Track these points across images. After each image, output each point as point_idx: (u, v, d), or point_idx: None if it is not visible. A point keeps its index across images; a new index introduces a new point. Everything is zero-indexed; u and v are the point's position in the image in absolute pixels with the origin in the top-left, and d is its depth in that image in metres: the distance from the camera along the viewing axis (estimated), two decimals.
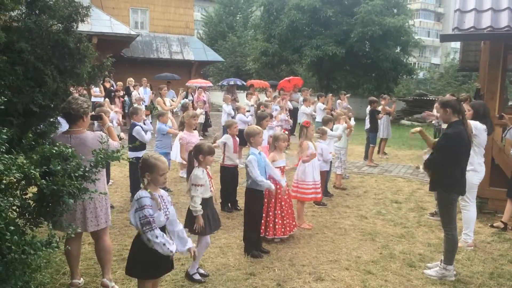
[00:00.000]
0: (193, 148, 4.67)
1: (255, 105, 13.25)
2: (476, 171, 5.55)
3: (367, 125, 11.66)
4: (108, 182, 6.99)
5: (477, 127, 5.56)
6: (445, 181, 4.64)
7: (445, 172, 4.64)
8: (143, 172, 3.41)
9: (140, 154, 7.05)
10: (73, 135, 3.96)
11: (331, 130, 8.01)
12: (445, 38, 7.45)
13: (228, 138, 7.08)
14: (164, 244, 3.26)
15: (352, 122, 9.28)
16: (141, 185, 3.49)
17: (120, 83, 15.65)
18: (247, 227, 5.32)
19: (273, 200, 5.63)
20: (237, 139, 7.15)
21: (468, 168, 5.28)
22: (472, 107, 5.77)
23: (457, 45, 25.41)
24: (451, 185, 4.64)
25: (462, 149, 4.59)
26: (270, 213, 5.63)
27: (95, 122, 6.34)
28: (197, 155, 4.52)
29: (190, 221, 4.49)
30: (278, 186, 5.63)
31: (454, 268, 4.76)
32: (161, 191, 3.54)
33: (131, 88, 16.02)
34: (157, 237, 3.23)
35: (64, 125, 4.35)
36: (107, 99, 12.60)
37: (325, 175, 7.55)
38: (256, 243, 5.30)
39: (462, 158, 4.66)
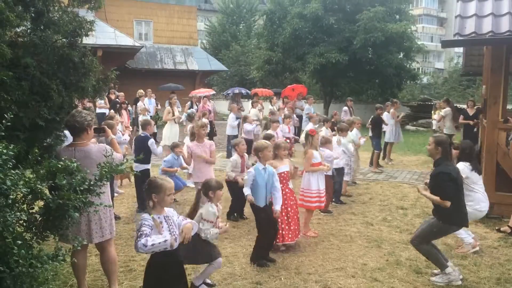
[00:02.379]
0: (201, 186, 4.62)
1: (261, 116, 13.32)
2: (480, 210, 5.65)
3: (370, 132, 11.64)
4: (113, 194, 7.03)
5: (463, 169, 5.56)
6: (444, 214, 4.67)
7: (452, 207, 4.64)
8: (149, 194, 3.39)
9: (147, 166, 7.14)
10: (77, 148, 4.00)
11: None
12: (446, 43, 7.47)
13: (237, 158, 7.02)
14: (158, 244, 3.15)
15: (362, 141, 9.42)
16: (147, 207, 3.47)
17: (122, 93, 15.70)
18: (257, 243, 5.33)
19: (282, 206, 5.65)
20: (246, 157, 7.11)
21: (473, 205, 5.46)
22: (459, 146, 6.11)
23: (460, 49, 25.37)
24: (450, 218, 4.71)
25: (453, 183, 4.63)
26: (286, 219, 5.65)
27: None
28: (206, 192, 4.46)
29: (202, 253, 4.44)
30: (284, 193, 5.67)
31: (459, 272, 4.74)
32: (167, 210, 3.49)
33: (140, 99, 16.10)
34: (145, 245, 3.11)
35: (70, 138, 4.40)
36: (111, 111, 12.65)
37: (329, 181, 7.55)
38: (263, 252, 5.31)
39: (456, 192, 4.67)
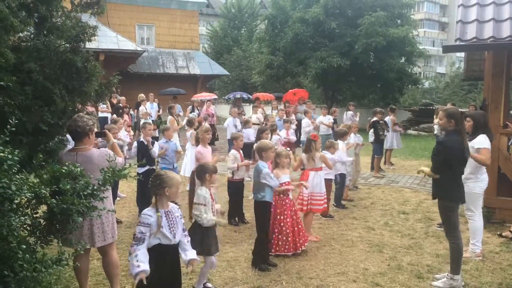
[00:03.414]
0: (196, 168, 4.69)
1: (262, 119, 13.32)
2: (478, 180, 5.55)
3: (370, 137, 11.64)
4: (115, 198, 7.06)
5: (483, 142, 5.55)
6: (440, 189, 4.74)
7: (439, 180, 4.73)
8: (161, 189, 3.47)
9: (144, 169, 7.13)
10: (79, 152, 4.02)
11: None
12: (447, 49, 7.49)
13: (236, 154, 7.05)
14: (132, 264, 3.32)
15: (360, 139, 9.46)
16: (154, 201, 3.55)
17: (123, 98, 15.72)
18: (258, 241, 5.33)
19: (281, 217, 5.65)
20: (241, 152, 7.17)
21: (470, 177, 5.32)
22: (472, 118, 5.77)
23: (462, 54, 25.40)
24: (445, 193, 4.71)
25: (453, 157, 4.63)
26: (284, 230, 5.62)
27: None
28: (202, 175, 4.52)
29: (199, 245, 4.38)
30: (284, 203, 5.68)
31: (462, 278, 4.75)
32: (171, 205, 3.60)
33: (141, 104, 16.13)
34: (132, 254, 3.34)
35: (72, 143, 4.42)
36: (114, 115, 12.67)
37: (330, 185, 7.57)
38: (263, 256, 5.32)
39: (453, 166, 4.68)
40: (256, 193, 5.34)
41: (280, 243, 5.61)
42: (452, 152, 4.61)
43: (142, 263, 3.30)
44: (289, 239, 5.61)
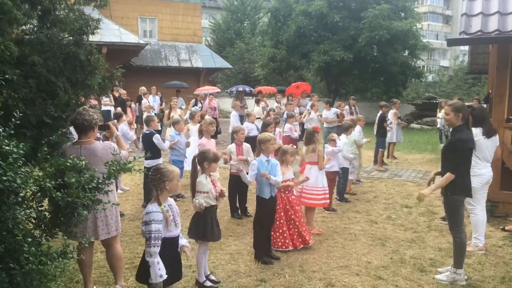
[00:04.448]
0: (197, 155, 4.71)
1: (265, 111, 13.30)
2: (475, 174, 5.50)
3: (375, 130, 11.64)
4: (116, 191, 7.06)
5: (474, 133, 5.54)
6: (454, 184, 4.65)
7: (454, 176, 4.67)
8: (161, 182, 3.46)
9: (156, 163, 7.08)
10: (83, 145, 4.03)
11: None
12: (452, 42, 7.44)
13: (232, 146, 7.07)
14: (158, 264, 3.32)
15: (364, 141, 9.43)
16: (155, 195, 3.55)
17: (124, 91, 15.68)
18: (256, 234, 5.36)
19: (282, 212, 5.65)
20: (244, 146, 7.13)
21: (476, 171, 5.29)
22: (471, 113, 5.69)
23: (466, 47, 25.30)
24: (456, 188, 4.67)
25: (467, 152, 4.62)
26: (278, 225, 5.63)
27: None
28: (202, 162, 4.55)
29: (195, 228, 4.52)
30: (287, 200, 5.69)
31: (464, 272, 4.76)
32: (169, 200, 3.61)
33: (143, 97, 16.13)
34: (154, 259, 3.32)
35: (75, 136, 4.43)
36: (119, 108, 12.65)
37: (335, 177, 7.56)
38: (266, 249, 5.33)
39: (469, 160, 4.69)
40: (257, 187, 5.37)
41: (277, 239, 5.60)
42: (472, 145, 4.62)
43: (163, 271, 3.34)
44: (285, 235, 5.59)
